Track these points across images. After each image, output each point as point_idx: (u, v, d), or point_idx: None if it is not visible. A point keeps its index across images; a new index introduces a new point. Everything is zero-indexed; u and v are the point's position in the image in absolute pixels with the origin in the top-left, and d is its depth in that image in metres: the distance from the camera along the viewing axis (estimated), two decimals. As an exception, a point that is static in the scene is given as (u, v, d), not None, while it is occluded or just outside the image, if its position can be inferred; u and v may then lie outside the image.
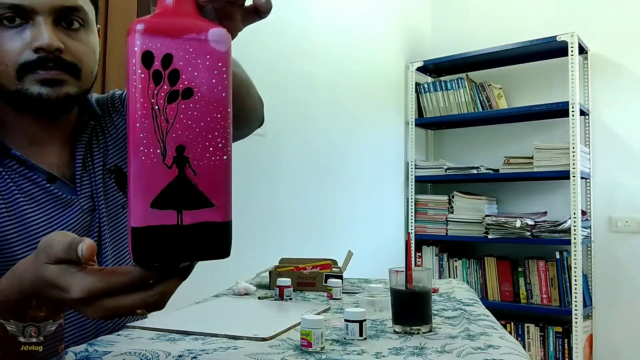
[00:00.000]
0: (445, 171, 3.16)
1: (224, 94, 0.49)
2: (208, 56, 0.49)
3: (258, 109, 0.93)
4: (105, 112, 0.94)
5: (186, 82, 0.48)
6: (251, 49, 2.15)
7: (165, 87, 0.47)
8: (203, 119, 0.48)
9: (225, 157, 0.50)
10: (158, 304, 0.53)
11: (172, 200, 0.47)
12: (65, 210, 0.83)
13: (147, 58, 0.47)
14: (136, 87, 0.47)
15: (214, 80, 0.49)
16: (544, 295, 2.87)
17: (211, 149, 0.49)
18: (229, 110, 0.50)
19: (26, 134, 0.84)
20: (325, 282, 1.28)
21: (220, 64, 0.49)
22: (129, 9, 1.74)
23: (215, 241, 0.50)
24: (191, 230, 0.48)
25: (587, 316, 2.84)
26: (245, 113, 0.87)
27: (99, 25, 0.88)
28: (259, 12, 0.61)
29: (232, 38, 0.55)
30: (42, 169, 0.83)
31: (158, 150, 0.47)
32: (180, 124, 0.48)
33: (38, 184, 0.82)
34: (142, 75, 0.47)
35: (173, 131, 0.47)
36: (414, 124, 3.25)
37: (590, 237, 2.90)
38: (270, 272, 1.38)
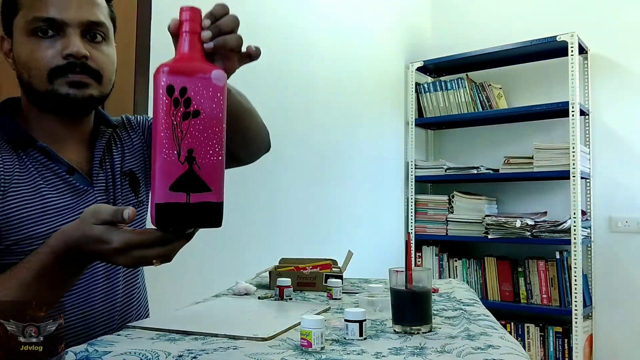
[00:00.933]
0: (445, 171, 3.16)
1: (220, 115, 0.68)
2: (210, 89, 0.68)
3: (262, 132, 1.08)
4: (121, 127, 1.08)
5: (195, 106, 0.67)
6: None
7: (182, 109, 0.66)
8: (206, 131, 0.67)
9: (220, 158, 0.68)
10: (168, 257, 0.71)
11: (183, 185, 0.66)
12: (81, 198, 0.94)
13: (169, 90, 0.66)
14: (162, 109, 0.66)
15: (214, 105, 0.68)
16: (544, 295, 2.87)
17: (210, 151, 0.67)
18: (224, 126, 0.69)
19: (50, 132, 0.94)
20: (325, 282, 1.28)
21: (218, 94, 0.68)
22: (129, 11, 1.74)
23: (211, 215, 0.68)
24: (195, 207, 0.67)
25: (587, 316, 2.84)
26: (251, 135, 1.02)
27: (115, 43, 1.00)
28: (251, 56, 0.79)
29: (229, 75, 0.76)
30: (64, 161, 0.93)
31: (175, 152, 0.66)
32: (190, 134, 0.67)
33: (59, 174, 0.93)
34: (166, 101, 0.66)
35: (185, 139, 0.66)
36: (414, 124, 3.25)
37: (590, 237, 2.90)
38: (270, 272, 1.38)
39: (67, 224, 0.77)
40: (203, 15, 0.73)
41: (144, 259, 0.71)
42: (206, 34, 0.71)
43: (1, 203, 0.86)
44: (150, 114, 1.85)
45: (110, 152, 1.03)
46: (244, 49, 0.77)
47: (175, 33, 0.73)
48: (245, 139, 1.01)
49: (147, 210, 1.07)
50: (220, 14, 0.74)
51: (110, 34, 0.96)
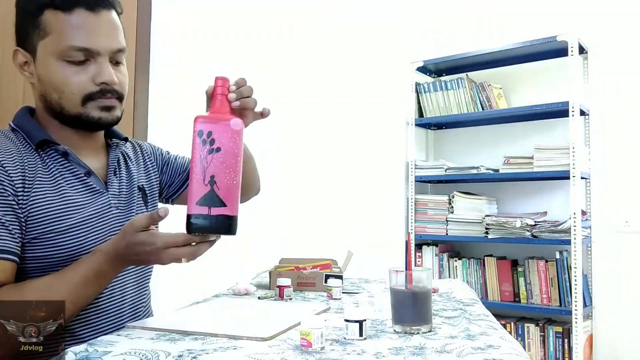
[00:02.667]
0: (445, 171, 3.16)
1: (236, 150, 0.89)
2: (229, 132, 0.89)
3: (257, 179, 1.30)
4: (129, 148, 1.18)
5: (217, 145, 0.88)
6: (255, 48, 2.15)
7: (208, 147, 0.88)
8: (224, 162, 0.88)
9: (234, 182, 0.89)
10: (194, 255, 0.90)
11: (206, 201, 0.87)
12: (96, 198, 1.01)
13: (200, 133, 0.88)
14: (195, 146, 0.88)
15: (231, 144, 0.89)
16: (544, 295, 2.87)
17: (227, 177, 0.88)
18: (239, 158, 0.90)
19: (67, 141, 1.00)
20: (325, 282, 1.28)
21: (235, 136, 0.89)
22: (129, 12, 1.74)
23: (226, 225, 0.88)
24: (214, 217, 0.87)
25: (587, 316, 2.84)
26: (248, 180, 1.19)
27: None
28: (263, 115, 1.02)
29: (245, 126, 0.97)
30: (83, 164, 1.00)
31: (202, 177, 0.87)
32: (213, 165, 0.88)
33: (77, 175, 1.00)
34: (198, 141, 0.88)
35: (209, 168, 0.88)
36: (414, 124, 3.25)
37: (590, 237, 2.90)
38: (270, 272, 1.38)
39: (108, 240, 0.95)
40: (230, 83, 0.97)
41: (177, 256, 0.88)
42: (232, 95, 0.94)
43: (26, 199, 0.91)
44: (150, 114, 1.86)
45: (127, 165, 1.12)
46: (259, 109, 1.01)
47: (210, 95, 0.95)
48: (244, 183, 1.19)
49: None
50: (241, 84, 0.97)
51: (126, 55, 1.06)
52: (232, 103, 0.94)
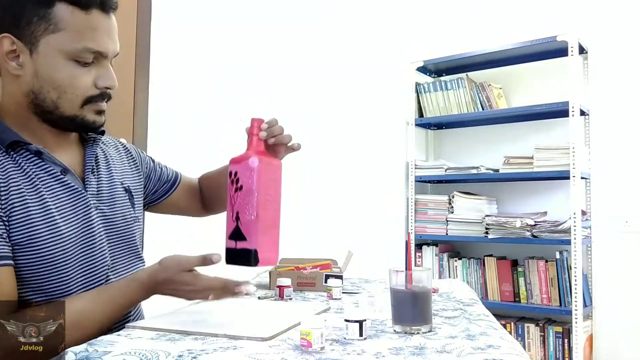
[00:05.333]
0: (445, 171, 3.16)
1: (252, 187, 0.94)
2: (248, 170, 0.94)
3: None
4: (113, 147, 1.14)
5: (240, 183, 0.95)
6: (254, 49, 2.15)
7: (234, 186, 0.95)
8: (245, 199, 0.94)
9: (252, 217, 0.93)
10: (219, 297, 0.96)
11: (234, 236, 0.95)
12: (74, 198, 0.96)
13: (230, 174, 0.96)
14: (228, 186, 0.96)
15: (250, 181, 0.94)
16: (544, 295, 2.87)
17: (247, 213, 0.94)
18: (255, 194, 0.94)
19: (43, 139, 0.96)
20: (325, 282, 1.28)
21: (252, 174, 0.94)
22: (129, 11, 1.74)
23: (247, 257, 0.93)
24: (239, 251, 0.94)
25: (587, 316, 2.84)
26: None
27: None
28: (294, 149, 1.09)
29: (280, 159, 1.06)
30: (58, 162, 0.95)
31: (231, 214, 0.95)
32: (238, 202, 0.95)
33: (53, 175, 0.94)
34: (229, 181, 0.96)
35: (235, 205, 0.95)
36: (414, 124, 3.25)
37: (590, 237, 2.90)
38: (270, 272, 1.38)
39: (140, 270, 1.00)
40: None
41: (208, 295, 0.95)
42: (262, 134, 0.99)
43: (4, 204, 0.87)
44: (150, 114, 1.85)
45: (107, 163, 1.08)
46: (290, 144, 1.08)
47: (249, 134, 1.01)
48: (220, 203, 1.24)
49: (141, 226, 1.14)
50: (273, 123, 1.02)
51: None
52: (268, 140, 1.00)
